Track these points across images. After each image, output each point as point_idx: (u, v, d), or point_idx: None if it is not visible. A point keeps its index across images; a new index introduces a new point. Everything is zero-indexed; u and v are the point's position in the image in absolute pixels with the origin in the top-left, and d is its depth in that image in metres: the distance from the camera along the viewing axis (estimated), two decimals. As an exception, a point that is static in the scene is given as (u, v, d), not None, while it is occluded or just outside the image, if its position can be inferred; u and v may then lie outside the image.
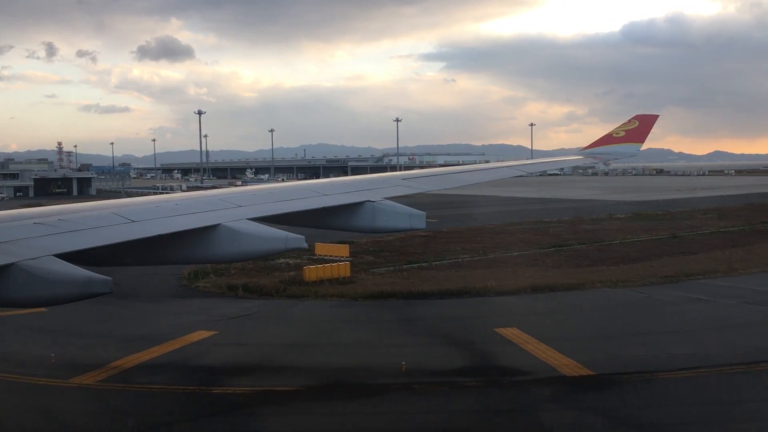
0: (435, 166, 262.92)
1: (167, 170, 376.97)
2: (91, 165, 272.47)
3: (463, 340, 30.13)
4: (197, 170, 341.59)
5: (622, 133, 32.90)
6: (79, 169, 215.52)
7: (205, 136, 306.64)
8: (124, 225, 13.36)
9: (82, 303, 33.91)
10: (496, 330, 31.05)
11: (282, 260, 53.30)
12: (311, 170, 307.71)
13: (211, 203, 15.91)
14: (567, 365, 25.37)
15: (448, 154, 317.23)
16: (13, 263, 10.57)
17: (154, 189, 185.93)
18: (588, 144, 35.00)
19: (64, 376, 25.45)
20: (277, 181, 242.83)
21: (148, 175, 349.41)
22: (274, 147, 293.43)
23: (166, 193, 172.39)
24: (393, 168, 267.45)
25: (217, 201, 16.17)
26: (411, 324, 33.96)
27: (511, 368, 25.64)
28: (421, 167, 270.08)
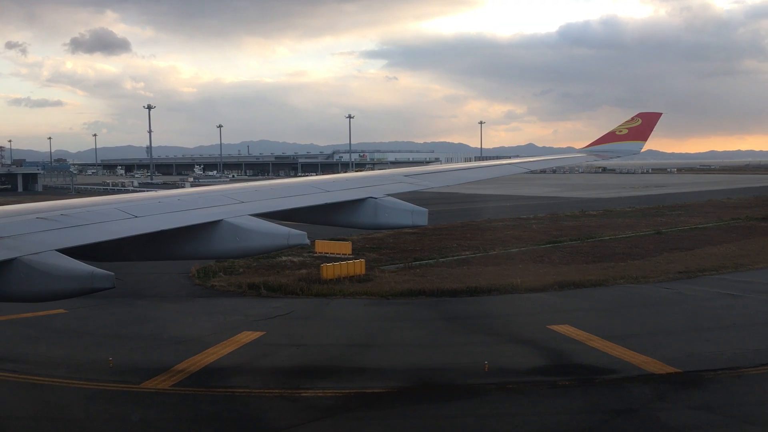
0: (385, 163, 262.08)
1: (109, 166, 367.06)
2: (24, 160, 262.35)
3: (524, 338, 29.73)
4: (141, 166, 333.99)
5: (625, 131, 33.12)
6: (12, 165, 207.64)
7: (150, 131, 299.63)
8: (127, 220, 13.31)
9: (107, 304, 32.77)
10: (550, 327, 30.83)
11: (285, 258, 52.38)
12: (260, 167, 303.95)
13: (214, 199, 15.92)
14: (647, 362, 25.24)
15: (399, 152, 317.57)
16: (15, 258, 10.51)
17: (104, 186, 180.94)
18: (590, 142, 35.18)
19: (132, 381, 24.20)
20: (228, 177, 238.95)
21: (89, 171, 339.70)
22: (215, 143, 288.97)
23: (118, 189, 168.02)
24: (344, 165, 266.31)
25: (220, 197, 16.17)
26: (460, 322, 33.49)
27: (594, 366, 25.26)
28: (373, 164, 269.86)
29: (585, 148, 35.12)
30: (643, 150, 33.60)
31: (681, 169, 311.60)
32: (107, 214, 13.47)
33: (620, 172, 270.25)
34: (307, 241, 14.33)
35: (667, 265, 48.13)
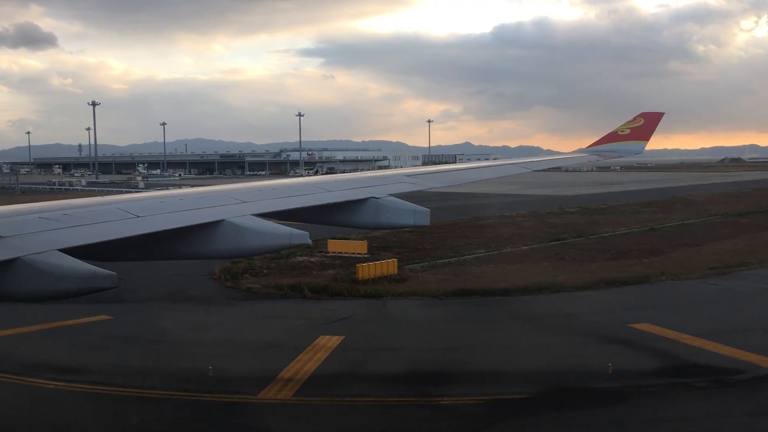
0: (335, 162, 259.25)
1: (43, 165, 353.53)
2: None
3: (617, 338, 29.08)
4: (78, 165, 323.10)
5: (628, 131, 33.17)
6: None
7: (88, 128, 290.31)
8: (129, 220, 13.34)
9: (149, 309, 31.20)
10: (632, 326, 30.39)
11: (301, 258, 51.06)
12: (205, 165, 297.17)
13: (215, 199, 15.96)
14: (764, 361, 24.95)
15: (347, 150, 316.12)
16: (18, 258, 10.52)
17: (50, 185, 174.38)
18: (593, 142, 35.16)
19: (246, 391, 22.69)
20: (176, 176, 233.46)
21: (23, 170, 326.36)
22: (148, 141, 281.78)
23: (66, 189, 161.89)
24: (293, 163, 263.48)
25: (222, 196, 16.16)
26: (536, 322, 32.66)
27: (715, 366, 24.72)
28: (322, 162, 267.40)
29: (587, 148, 35.09)
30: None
31: (622, 168, 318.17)
32: (109, 214, 13.42)
33: (566, 170, 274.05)
34: (310, 241, 14.12)
35: (690, 261, 48.32)
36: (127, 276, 43.63)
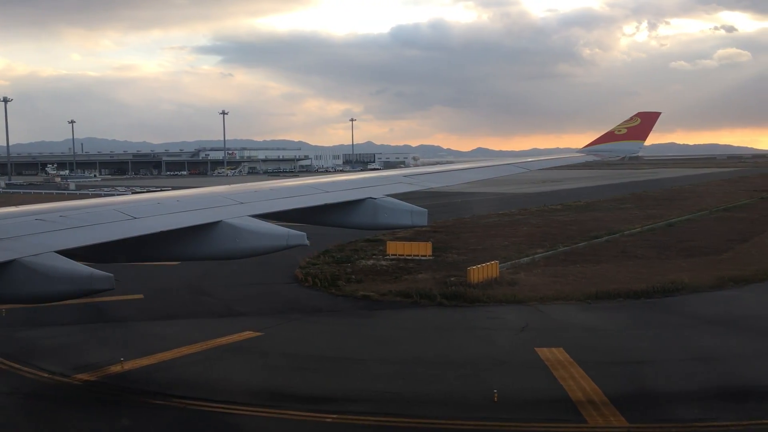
0: (256, 161, 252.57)
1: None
2: None
3: None
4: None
5: (624, 131, 33.16)
6: None
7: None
8: (126, 221, 13.30)
9: (296, 324, 28.13)
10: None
11: (371, 262, 48.86)
12: (116, 165, 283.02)
13: (212, 200, 15.95)
14: None
15: (268, 149, 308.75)
16: (14, 259, 10.47)
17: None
18: (590, 142, 34.84)
19: (563, 418, 20.04)
20: (93, 177, 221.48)
21: None
22: (34, 141, 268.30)
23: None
24: (215, 163, 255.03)
25: (219, 198, 16.17)
26: (732, 326, 30.80)
27: None
28: (244, 162, 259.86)
29: (584, 147, 35.12)
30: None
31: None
32: (106, 216, 13.38)
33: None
34: (307, 242, 14.12)
35: (762, 258, 47.72)
36: (201, 288, 39.18)
